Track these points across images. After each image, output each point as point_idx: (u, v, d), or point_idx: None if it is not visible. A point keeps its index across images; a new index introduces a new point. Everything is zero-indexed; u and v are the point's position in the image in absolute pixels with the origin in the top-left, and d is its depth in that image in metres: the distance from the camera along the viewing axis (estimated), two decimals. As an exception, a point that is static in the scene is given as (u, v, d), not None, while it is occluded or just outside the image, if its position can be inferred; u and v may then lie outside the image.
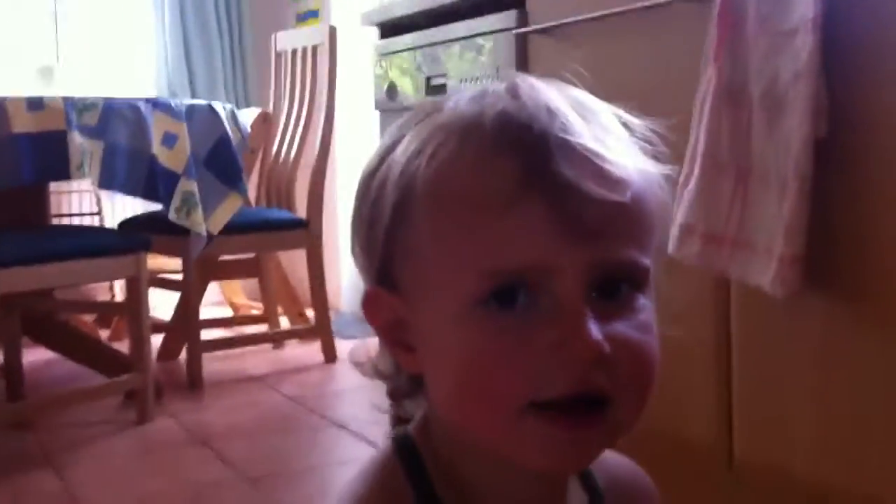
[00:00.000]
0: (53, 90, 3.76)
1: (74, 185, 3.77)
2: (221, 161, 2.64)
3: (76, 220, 3.80)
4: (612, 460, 0.65)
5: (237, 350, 3.22)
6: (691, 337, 1.51)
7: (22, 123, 2.23)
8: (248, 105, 4.05)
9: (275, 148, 3.21)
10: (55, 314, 2.88)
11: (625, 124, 0.55)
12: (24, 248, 2.21)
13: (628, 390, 0.51)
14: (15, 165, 2.23)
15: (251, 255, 3.27)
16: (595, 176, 0.48)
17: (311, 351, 3.20)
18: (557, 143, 0.49)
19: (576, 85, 0.57)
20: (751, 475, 1.48)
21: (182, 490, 2.01)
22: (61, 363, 3.04)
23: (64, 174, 2.29)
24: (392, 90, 2.29)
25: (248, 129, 2.91)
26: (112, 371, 2.64)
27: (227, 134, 2.67)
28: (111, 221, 3.69)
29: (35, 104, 2.27)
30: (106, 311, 3.46)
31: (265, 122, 3.25)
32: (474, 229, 0.49)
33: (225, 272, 3.43)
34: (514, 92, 0.52)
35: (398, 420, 0.62)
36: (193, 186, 2.53)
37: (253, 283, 3.48)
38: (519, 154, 0.48)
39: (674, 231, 1.40)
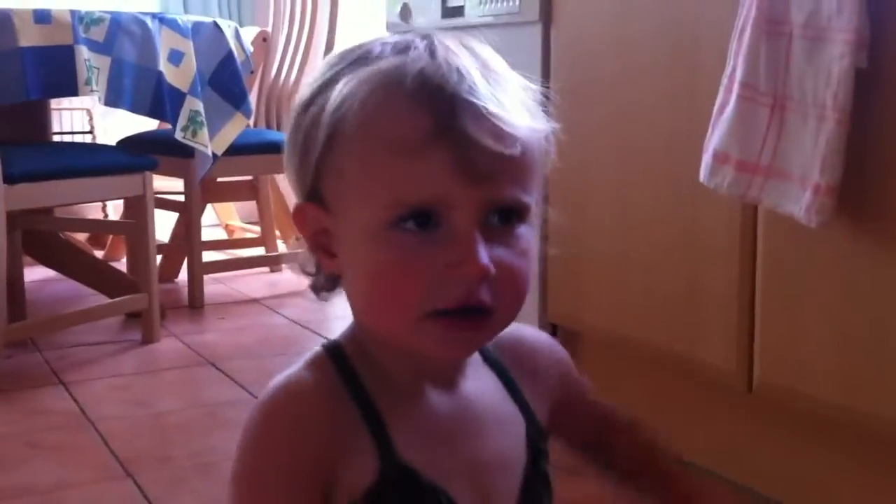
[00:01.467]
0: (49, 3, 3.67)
1: (65, 102, 3.71)
2: (226, 80, 2.61)
3: (68, 139, 3.75)
4: (520, 340, 0.76)
5: (233, 273, 3.22)
6: (717, 265, 1.54)
7: (28, 36, 2.19)
8: (240, 24, 3.98)
9: (274, 69, 3.17)
10: (55, 232, 2.85)
11: (524, 87, 0.65)
12: (32, 165, 2.19)
13: (506, 303, 0.63)
14: (21, 80, 2.18)
15: (249, 177, 3.25)
16: (491, 132, 0.59)
17: (308, 274, 3.20)
18: (463, 103, 0.59)
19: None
20: (770, 399, 1.51)
21: (196, 409, 2.03)
22: (58, 282, 3.03)
23: (71, 90, 2.25)
24: (405, 11, 2.26)
25: (252, 49, 2.87)
26: (113, 291, 2.64)
27: (231, 53, 2.63)
28: (102, 141, 3.64)
29: (42, 16, 2.21)
30: (111, 231, 3.42)
31: (264, 42, 3.20)
32: (390, 167, 0.60)
33: (222, 194, 3.41)
34: (432, 51, 0.62)
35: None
36: (199, 105, 2.50)
37: (247, 205, 3.46)
38: (431, 110, 0.59)
39: (706, 159, 1.41)
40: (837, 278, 1.36)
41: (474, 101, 0.59)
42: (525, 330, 0.78)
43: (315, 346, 0.70)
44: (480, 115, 0.59)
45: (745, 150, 1.36)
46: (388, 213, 0.60)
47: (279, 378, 0.67)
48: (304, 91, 0.67)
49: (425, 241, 0.61)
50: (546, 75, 1.86)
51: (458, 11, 2.08)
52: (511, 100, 0.62)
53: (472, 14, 2.04)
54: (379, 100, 0.61)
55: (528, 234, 0.64)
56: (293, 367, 0.68)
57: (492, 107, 0.60)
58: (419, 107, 0.60)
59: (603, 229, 1.78)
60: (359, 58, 0.65)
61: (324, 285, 0.71)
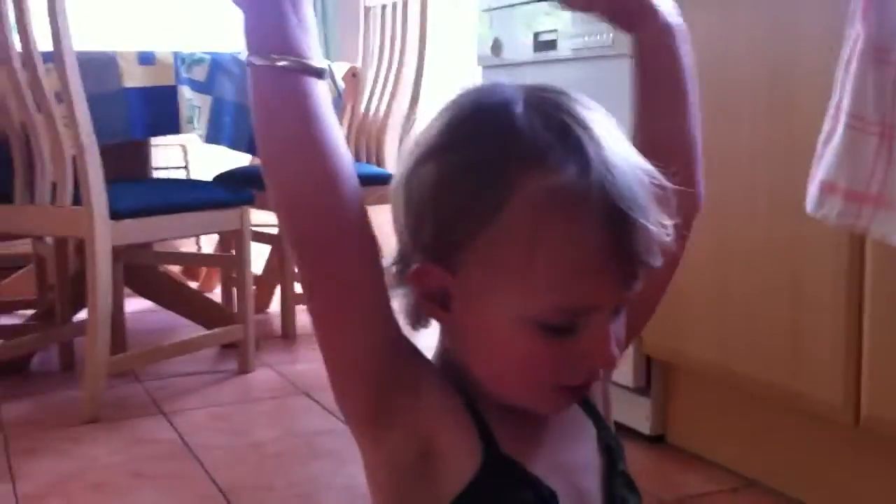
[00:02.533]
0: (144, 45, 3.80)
1: (160, 139, 3.82)
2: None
3: (163, 174, 3.85)
4: None
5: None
6: (823, 297, 1.51)
7: (133, 78, 2.27)
8: (329, 59, 4.05)
9: (364, 103, 3.22)
10: (156, 265, 2.93)
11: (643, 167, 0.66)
12: (136, 201, 2.26)
13: (608, 371, 0.72)
14: (126, 120, 2.27)
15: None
16: (651, 250, 0.63)
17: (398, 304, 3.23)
18: (637, 226, 0.62)
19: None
20: (878, 432, 1.47)
21: (293, 438, 2.06)
22: (156, 313, 3.11)
23: (173, 128, 2.33)
24: (497, 46, 2.28)
25: (343, 86, 2.92)
26: (209, 322, 2.70)
27: (324, 89, 2.68)
28: (196, 175, 3.73)
29: (146, 58, 2.30)
30: (211, 264, 3.49)
31: (354, 78, 3.25)
32: (565, 278, 0.63)
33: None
34: (602, 157, 0.63)
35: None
36: (293, 142, 2.55)
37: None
38: (613, 233, 0.62)
39: (812, 190, 1.39)
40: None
41: (646, 224, 0.62)
42: None
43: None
44: (647, 237, 0.63)
45: (854, 180, 1.34)
46: (543, 314, 0.64)
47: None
48: (439, 165, 0.67)
49: (570, 334, 0.65)
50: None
51: (551, 45, 2.09)
52: (656, 205, 0.64)
53: (565, 47, 2.05)
54: (566, 213, 0.62)
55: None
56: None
57: (654, 226, 0.63)
58: (603, 229, 0.62)
59: (701, 260, 1.76)
60: (506, 142, 0.65)
61: (422, 323, 0.72)
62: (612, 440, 0.75)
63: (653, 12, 0.80)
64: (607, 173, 0.63)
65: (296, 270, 2.69)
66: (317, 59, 0.64)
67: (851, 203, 1.35)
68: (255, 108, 0.65)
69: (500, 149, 0.65)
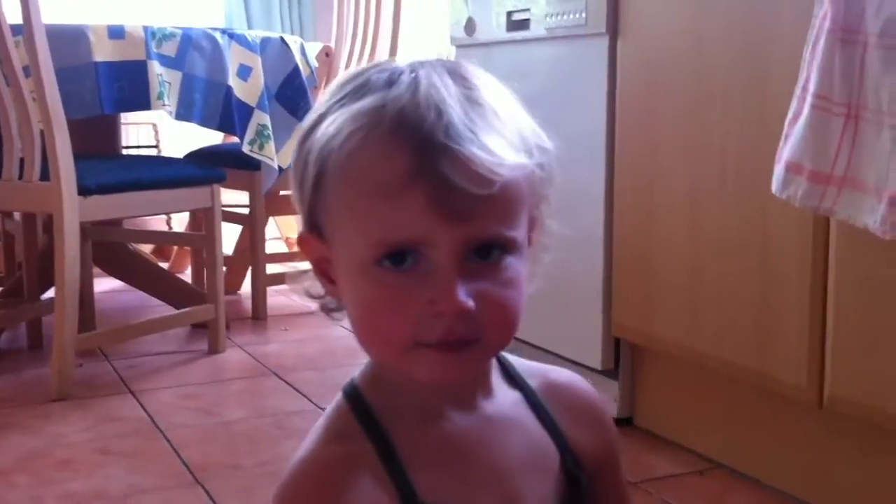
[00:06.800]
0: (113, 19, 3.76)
1: (132, 116, 3.79)
2: (292, 94, 2.65)
3: (134, 153, 3.82)
4: (553, 372, 0.80)
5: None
6: (789, 279, 1.52)
7: (103, 51, 2.24)
8: (304, 38, 4.03)
9: (337, 83, 3.19)
10: (126, 245, 2.91)
11: (513, 119, 0.66)
12: (105, 177, 2.24)
13: (491, 331, 0.65)
14: (95, 94, 2.24)
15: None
16: (467, 174, 0.60)
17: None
18: (439, 145, 0.60)
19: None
20: (842, 415, 1.49)
21: (262, 418, 2.05)
22: (126, 293, 3.09)
23: (143, 104, 2.30)
24: (470, 25, 2.27)
25: (316, 65, 2.90)
26: (179, 302, 2.69)
27: (298, 68, 2.67)
28: (167, 154, 3.70)
29: (116, 32, 2.27)
30: (181, 243, 3.47)
31: (328, 58, 3.24)
32: (371, 209, 0.62)
33: (284, 207, 3.45)
34: (415, 86, 0.63)
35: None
36: (266, 119, 2.54)
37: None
38: (408, 152, 0.61)
39: (778, 170, 1.40)
40: (913, 291, 1.34)
41: (450, 144, 0.60)
42: (575, 377, 0.81)
43: (338, 393, 0.74)
44: (456, 158, 0.60)
45: (819, 161, 1.34)
46: (371, 251, 0.63)
47: (301, 455, 0.70)
48: (306, 121, 0.70)
49: (409, 278, 0.63)
50: (613, 87, 1.86)
51: (524, 25, 2.09)
52: (494, 137, 0.63)
53: (538, 27, 2.04)
54: (358, 142, 0.62)
55: (515, 263, 0.66)
56: (313, 435, 0.71)
57: (470, 148, 0.61)
58: (396, 149, 0.61)
59: (671, 242, 1.77)
60: (352, 90, 0.66)
61: (333, 307, 0.74)
62: (567, 452, 0.74)
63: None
64: (410, 94, 0.63)
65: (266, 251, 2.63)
66: None
67: (816, 184, 1.35)
68: None
69: (329, 97, 0.68)
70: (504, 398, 0.74)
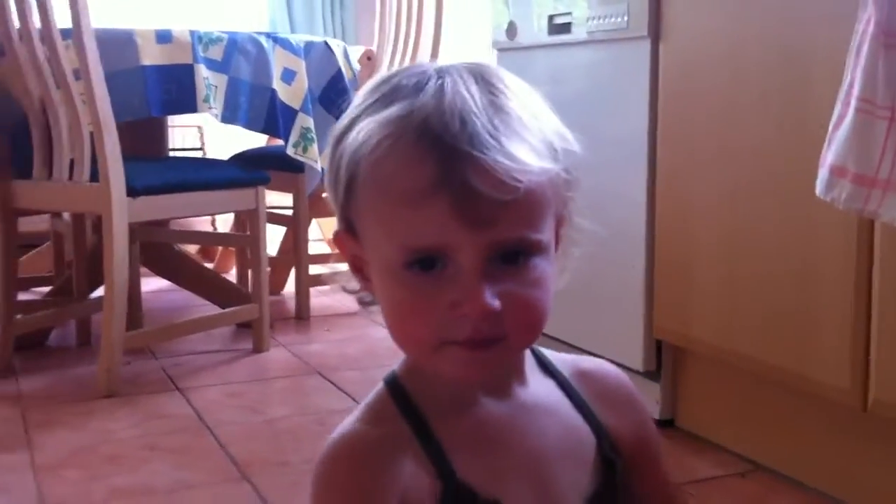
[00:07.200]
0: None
1: (177, 119, 3.85)
2: (335, 98, 2.67)
3: (179, 155, 3.88)
4: (583, 360, 0.82)
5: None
6: (831, 281, 1.52)
7: (150, 55, 2.29)
8: (346, 42, 4.07)
9: (379, 86, 3.22)
10: (172, 245, 2.96)
11: (538, 122, 0.67)
12: (153, 178, 2.28)
13: (518, 330, 0.66)
14: (143, 97, 2.28)
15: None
16: (490, 181, 0.62)
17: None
18: (462, 154, 0.62)
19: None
20: (886, 417, 1.48)
21: (306, 416, 2.08)
22: (172, 292, 3.15)
23: (190, 107, 2.34)
24: (512, 29, 2.29)
25: (359, 68, 2.93)
26: (225, 302, 2.73)
27: (341, 71, 2.70)
28: (212, 156, 3.75)
29: (164, 37, 2.31)
30: (227, 243, 3.52)
31: (369, 61, 3.27)
32: (397, 215, 0.64)
33: (326, 209, 3.49)
34: (441, 94, 0.65)
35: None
36: (310, 122, 2.58)
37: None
38: (432, 161, 0.62)
39: (822, 173, 1.40)
40: (959, 295, 1.34)
41: (473, 152, 0.62)
42: (604, 363, 0.83)
43: (379, 382, 0.75)
44: (479, 166, 0.62)
45: (863, 164, 1.34)
46: (398, 256, 0.65)
47: (337, 435, 0.72)
48: (339, 123, 0.71)
49: (435, 281, 0.65)
50: (654, 90, 1.87)
51: (565, 28, 2.10)
52: (517, 143, 0.64)
53: (580, 30, 2.05)
54: (385, 150, 0.64)
55: (541, 264, 0.67)
56: (351, 417, 0.73)
57: (493, 156, 0.62)
58: (421, 158, 0.63)
59: (711, 244, 1.78)
60: (382, 97, 0.68)
61: (370, 300, 0.75)
62: (605, 439, 0.76)
63: None
64: (435, 101, 0.64)
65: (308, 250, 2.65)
66: None
67: (860, 187, 1.35)
68: None
69: (362, 100, 0.70)
70: (538, 386, 0.76)
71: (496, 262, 0.65)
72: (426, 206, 0.63)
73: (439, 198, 0.62)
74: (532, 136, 0.65)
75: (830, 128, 1.39)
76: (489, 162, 0.62)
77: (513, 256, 0.65)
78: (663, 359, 1.96)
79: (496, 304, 0.64)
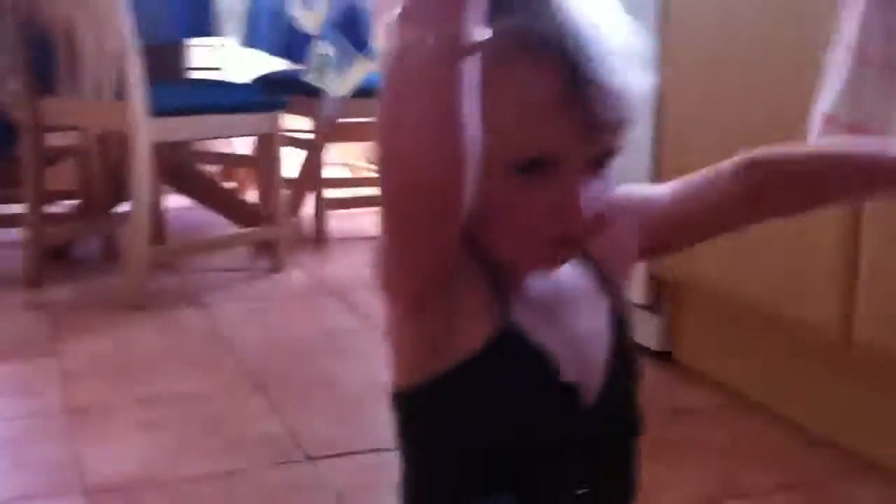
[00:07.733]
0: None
1: (195, 39, 3.85)
2: (353, 25, 2.70)
3: (197, 75, 3.90)
4: None
5: (355, 210, 3.36)
6: (822, 221, 1.57)
7: (174, -20, 2.33)
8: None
9: (399, 14, 3.23)
10: (192, 164, 3.03)
11: (636, 39, 0.71)
12: (176, 100, 2.35)
13: (591, 231, 0.73)
14: (168, 21, 2.34)
15: (371, 119, 3.35)
16: (611, 103, 0.67)
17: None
18: (589, 76, 0.67)
19: None
20: (871, 356, 1.55)
21: (318, 335, 2.18)
22: (193, 211, 3.22)
23: (212, 30, 2.39)
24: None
25: (379, -5, 2.95)
26: (244, 221, 2.81)
27: (359, -1, 2.73)
28: (229, 78, 3.78)
29: (186, -39, 2.36)
30: (244, 164, 3.57)
31: (391, -12, 3.28)
32: (523, 122, 0.68)
33: (345, 134, 3.54)
34: (569, 17, 0.68)
35: None
36: (328, 49, 2.62)
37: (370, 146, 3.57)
38: (560, 80, 0.67)
39: (815, 119, 1.44)
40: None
41: (598, 77, 0.67)
42: None
43: None
44: (604, 89, 0.67)
45: (856, 113, 1.39)
46: (514, 155, 0.69)
47: None
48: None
49: (539, 183, 0.69)
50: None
51: None
52: (628, 63, 0.69)
53: None
54: (522, 56, 0.67)
55: (611, 167, 0.73)
56: None
57: (614, 80, 0.67)
58: (557, 77, 0.67)
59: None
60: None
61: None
62: (622, 307, 0.81)
63: None
64: (568, 25, 0.68)
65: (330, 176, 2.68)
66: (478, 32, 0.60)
67: (853, 136, 1.40)
68: (393, 83, 0.62)
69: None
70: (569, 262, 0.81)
71: (591, 166, 0.71)
72: (552, 122, 0.67)
73: (565, 117, 0.67)
74: (637, 55, 0.70)
75: (823, 77, 1.43)
76: (614, 86, 0.67)
77: (601, 161, 0.71)
78: (662, 293, 2.03)
79: (589, 209, 0.70)
